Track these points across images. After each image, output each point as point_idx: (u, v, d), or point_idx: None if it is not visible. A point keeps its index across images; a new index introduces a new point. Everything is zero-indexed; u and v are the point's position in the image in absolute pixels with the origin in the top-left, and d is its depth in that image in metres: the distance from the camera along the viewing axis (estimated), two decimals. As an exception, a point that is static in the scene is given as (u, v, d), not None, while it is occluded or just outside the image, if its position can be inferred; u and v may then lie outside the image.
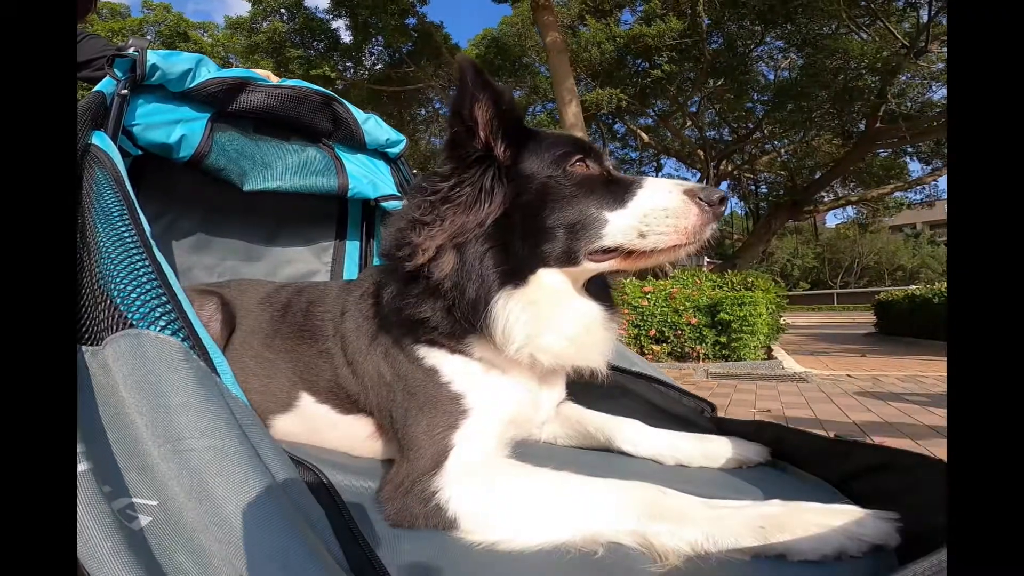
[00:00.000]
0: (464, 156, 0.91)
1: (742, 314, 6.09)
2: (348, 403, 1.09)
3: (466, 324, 0.90)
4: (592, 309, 1.00)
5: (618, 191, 0.92)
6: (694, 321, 6.34)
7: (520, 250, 0.91)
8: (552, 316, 0.93)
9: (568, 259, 0.92)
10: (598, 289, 1.04)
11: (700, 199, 0.88)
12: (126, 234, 0.89)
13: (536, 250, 0.91)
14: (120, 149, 1.18)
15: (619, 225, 0.90)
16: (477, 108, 0.89)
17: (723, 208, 0.90)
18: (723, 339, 6.28)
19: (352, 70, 16.66)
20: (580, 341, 0.95)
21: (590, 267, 0.94)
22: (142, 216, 0.95)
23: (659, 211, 0.88)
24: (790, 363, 6.19)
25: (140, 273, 0.84)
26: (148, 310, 0.80)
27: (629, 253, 0.92)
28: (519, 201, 0.91)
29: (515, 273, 0.90)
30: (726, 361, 6.23)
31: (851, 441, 0.96)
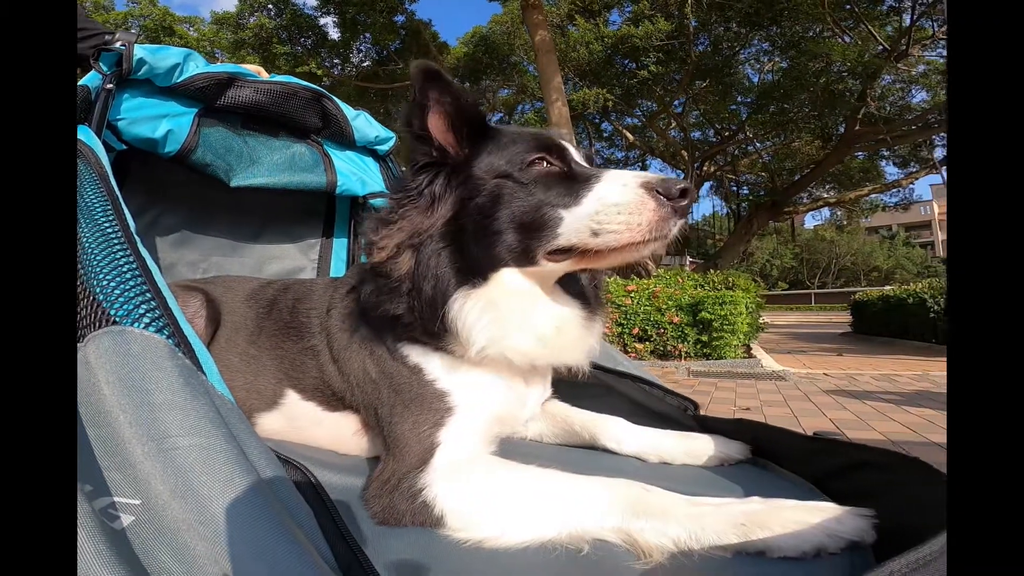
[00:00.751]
0: (415, 162, 0.92)
1: (723, 313, 6.19)
2: (334, 400, 1.08)
3: (428, 323, 0.90)
4: (564, 308, 0.97)
5: (575, 187, 0.88)
6: (676, 320, 6.42)
7: (475, 251, 0.90)
8: (517, 316, 0.91)
9: (526, 259, 0.90)
10: (575, 287, 1.03)
11: (658, 192, 0.82)
12: (109, 230, 0.88)
13: (490, 251, 0.89)
14: (104, 144, 1.16)
15: (572, 223, 0.86)
16: (430, 117, 0.90)
17: (685, 201, 0.83)
18: (704, 338, 6.37)
19: (340, 67, 16.45)
20: (552, 341, 0.93)
21: (549, 268, 0.92)
22: (126, 211, 0.94)
23: (611, 207, 0.83)
24: (769, 362, 6.31)
25: (123, 269, 0.82)
26: (132, 307, 0.78)
27: (584, 252, 0.88)
28: (470, 204, 0.90)
29: (472, 272, 0.89)
30: (707, 360, 6.32)
31: (829, 439, 0.98)
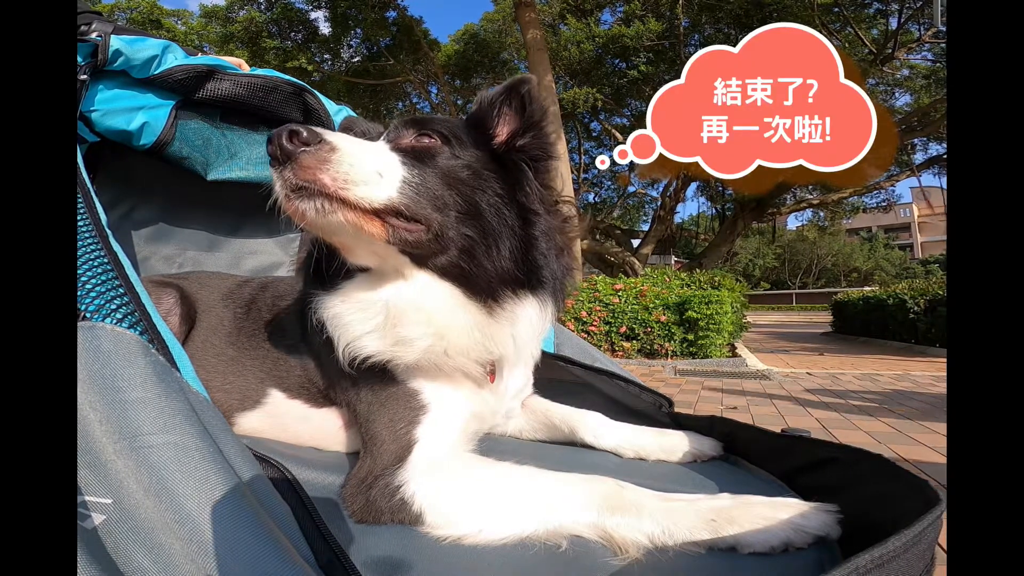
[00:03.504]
0: None
1: (709, 312, 6.26)
2: (320, 397, 1.08)
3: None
4: (430, 302, 0.87)
5: None
6: (663, 319, 6.48)
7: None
8: (381, 318, 0.87)
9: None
10: (456, 282, 0.88)
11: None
12: (80, 222, 0.86)
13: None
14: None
15: None
16: None
17: (274, 149, 0.74)
18: (691, 336, 6.44)
19: (330, 62, 16.30)
20: (438, 337, 0.86)
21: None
22: (98, 204, 0.92)
23: None
24: (753, 361, 6.40)
25: (94, 263, 0.81)
26: (103, 302, 0.76)
27: None
28: None
29: (327, 273, 0.92)
30: (693, 358, 6.38)
31: (796, 436, 1.00)
